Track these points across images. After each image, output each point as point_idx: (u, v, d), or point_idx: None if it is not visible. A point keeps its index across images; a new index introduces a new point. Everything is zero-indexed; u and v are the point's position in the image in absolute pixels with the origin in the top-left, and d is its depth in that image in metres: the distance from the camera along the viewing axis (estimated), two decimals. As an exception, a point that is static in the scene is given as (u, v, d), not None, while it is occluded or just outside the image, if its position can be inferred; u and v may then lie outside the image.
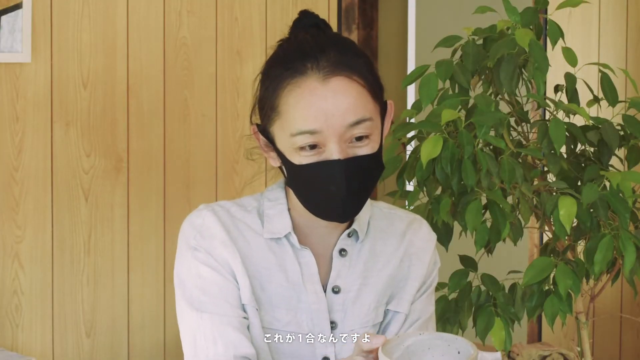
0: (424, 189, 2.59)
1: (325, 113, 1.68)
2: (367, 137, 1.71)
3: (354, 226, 1.81)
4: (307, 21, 1.79)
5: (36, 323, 3.65)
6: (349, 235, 1.81)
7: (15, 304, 3.62)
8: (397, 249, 1.84)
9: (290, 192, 1.80)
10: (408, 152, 2.67)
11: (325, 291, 1.78)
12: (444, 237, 2.60)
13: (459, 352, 1.52)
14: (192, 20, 3.86)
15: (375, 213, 1.85)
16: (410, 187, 2.68)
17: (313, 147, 1.69)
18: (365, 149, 1.71)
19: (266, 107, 1.73)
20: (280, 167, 1.78)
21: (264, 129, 1.75)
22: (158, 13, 3.81)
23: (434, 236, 1.90)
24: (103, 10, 3.72)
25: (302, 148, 1.69)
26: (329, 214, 1.74)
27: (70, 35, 3.67)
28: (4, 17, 3.56)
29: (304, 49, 1.73)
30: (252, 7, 3.96)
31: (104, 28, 3.72)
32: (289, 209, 1.80)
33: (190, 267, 1.76)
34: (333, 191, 1.70)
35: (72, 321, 3.70)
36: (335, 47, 1.72)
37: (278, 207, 1.80)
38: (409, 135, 2.69)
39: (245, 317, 1.74)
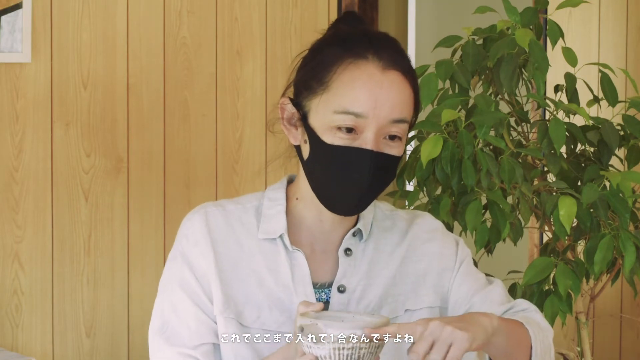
0: (424, 189, 2.59)
1: (376, 100, 1.69)
2: (399, 139, 1.73)
3: (359, 225, 1.81)
4: (350, 20, 1.81)
5: (36, 323, 3.65)
6: (353, 235, 1.81)
7: (15, 304, 3.62)
8: (399, 246, 1.84)
9: (297, 185, 1.80)
10: (408, 152, 2.67)
11: (330, 290, 1.78)
12: (444, 237, 2.60)
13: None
14: (192, 20, 3.86)
15: (378, 214, 1.85)
16: (410, 187, 2.68)
17: (350, 130, 1.70)
18: (394, 150, 1.73)
19: (312, 80, 1.74)
20: (297, 147, 1.78)
21: (298, 104, 1.75)
22: (158, 13, 3.81)
23: (438, 224, 1.89)
24: (103, 10, 3.72)
25: (339, 128, 1.70)
26: (340, 205, 1.74)
27: (70, 35, 3.67)
28: (4, 17, 3.56)
29: (368, 37, 1.74)
30: (252, 7, 3.96)
31: (104, 28, 3.72)
32: (286, 211, 1.80)
33: (171, 281, 1.80)
34: (355, 179, 1.70)
35: (72, 321, 3.70)
36: (393, 44, 1.75)
37: (277, 207, 1.80)
38: (409, 135, 2.69)
39: (211, 343, 1.76)
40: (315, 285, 1.78)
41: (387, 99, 1.70)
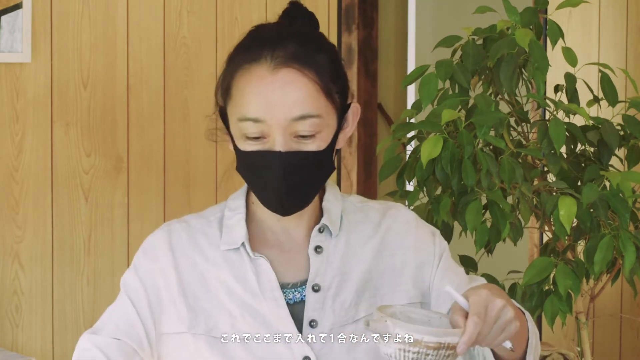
0: (424, 189, 2.59)
1: (269, 103, 1.67)
2: (313, 135, 1.69)
3: (323, 221, 1.78)
4: (295, 13, 1.79)
5: (36, 323, 3.65)
6: (320, 231, 1.79)
7: (15, 304, 3.62)
8: (372, 238, 1.80)
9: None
10: (408, 152, 2.68)
11: (305, 289, 1.77)
12: (443, 237, 2.60)
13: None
14: (192, 20, 3.86)
15: (348, 207, 1.83)
16: (410, 187, 2.68)
17: (257, 138, 1.69)
18: (310, 146, 1.70)
19: (222, 88, 1.75)
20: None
21: (223, 112, 1.77)
22: (158, 13, 3.81)
23: (412, 215, 1.85)
24: (103, 10, 3.72)
25: (247, 136, 1.70)
26: (271, 205, 1.74)
27: (70, 35, 3.68)
28: (4, 17, 3.56)
29: (264, 37, 1.73)
30: (252, 7, 3.97)
31: (104, 28, 3.72)
32: (249, 216, 1.80)
33: (121, 291, 1.81)
34: (271, 182, 1.70)
35: (72, 321, 3.70)
36: (296, 39, 1.72)
37: (236, 217, 1.80)
38: (409, 135, 2.69)
39: (132, 347, 1.76)
40: (288, 286, 1.77)
41: (282, 100, 1.67)
